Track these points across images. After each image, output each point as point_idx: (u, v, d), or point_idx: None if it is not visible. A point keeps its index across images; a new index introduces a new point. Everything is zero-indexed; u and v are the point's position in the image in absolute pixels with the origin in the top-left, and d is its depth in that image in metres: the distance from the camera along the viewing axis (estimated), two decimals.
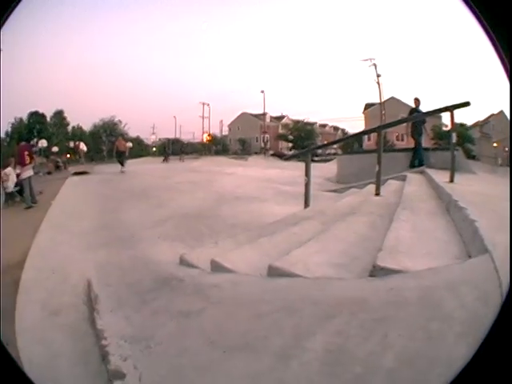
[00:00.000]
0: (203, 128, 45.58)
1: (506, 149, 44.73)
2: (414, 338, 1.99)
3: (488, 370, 1.55)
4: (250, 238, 5.44)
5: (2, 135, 31.19)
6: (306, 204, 8.23)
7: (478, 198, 5.64)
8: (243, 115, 51.13)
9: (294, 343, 2.17)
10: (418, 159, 12.13)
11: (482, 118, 53.19)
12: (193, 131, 45.91)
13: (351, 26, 70.14)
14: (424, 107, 12.36)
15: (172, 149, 32.91)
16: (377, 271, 2.89)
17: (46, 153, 27.77)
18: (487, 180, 11.91)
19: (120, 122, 41.42)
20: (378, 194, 7.12)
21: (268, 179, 14.35)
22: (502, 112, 49.15)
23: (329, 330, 2.19)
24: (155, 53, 49.97)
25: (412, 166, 12.05)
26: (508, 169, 29.66)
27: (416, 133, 12.51)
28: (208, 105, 47.00)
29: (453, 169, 7.69)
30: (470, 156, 41.59)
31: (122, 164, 20.45)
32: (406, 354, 1.89)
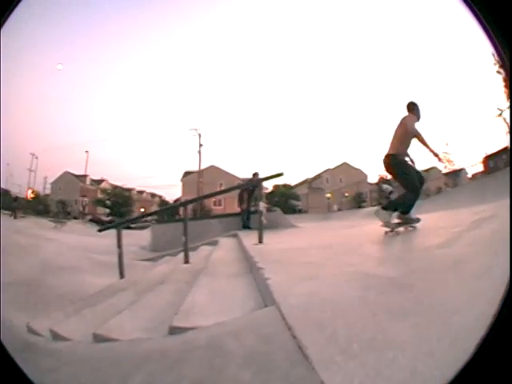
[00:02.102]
0: (29, 183, 43.48)
1: (346, 194, 49.99)
2: (202, 370, 2.62)
3: (488, 368, 1.69)
4: (76, 309, 6.15)
5: None
6: (121, 275, 8.66)
7: (282, 254, 6.51)
8: (65, 175, 49.75)
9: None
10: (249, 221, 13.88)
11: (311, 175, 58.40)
12: (21, 184, 43.08)
13: (176, 94, 72.62)
14: None
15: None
16: (174, 330, 3.46)
17: None
18: (304, 231, 13.68)
19: None
20: (187, 261, 7.79)
21: (85, 248, 14.44)
22: (344, 164, 55.35)
23: (143, 371, 2.80)
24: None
25: (246, 226, 13.76)
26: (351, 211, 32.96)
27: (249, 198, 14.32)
28: (37, 157, 45.34)
29: (260, 230, 8.61)
30: (297, 210, 45.36)
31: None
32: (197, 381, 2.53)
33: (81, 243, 16.36)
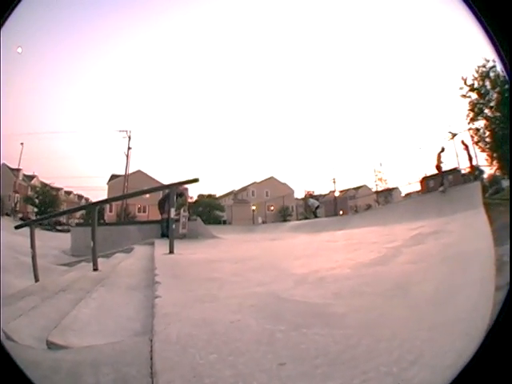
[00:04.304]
0: None
1: (272, 208, 50.46)
2: None
3: (488, 371, 1.61)
4: None
5: None
6: (36, 278, 8.30)
7: (188, 267, 6.33)
8: (2, 167, 46.55)
9: None
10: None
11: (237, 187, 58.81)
12: None
13: (107, 97, 71.30)
14: None
15: None
16: (49, 345, 3.14)
17: None
18: (222, 243, 13.58)
19: None
20: (95, 269, 7.30)
21: (11, 247, 13.48)
22: (271, 178, 55.87)
23: None
24: None
25: (165, 235, 12.90)
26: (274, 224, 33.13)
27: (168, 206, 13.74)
28: None
29: (171, 240, 8.58)
30: (221, 221, 45.21)
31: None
32: None
33: (9, 242, 15.48)
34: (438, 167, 18.63)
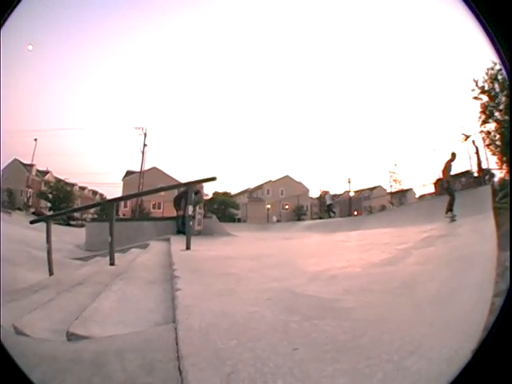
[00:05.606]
0: None
1: (287, 207, 50.21)
2: None
3: (487, 370, 1.65)
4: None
5: None
6: (50, 272, 8.32)
7: (205, 262, 6.41)
8: (14, 162, 46.60)
9: None
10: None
11: (252, 185, 58.51)
12: None
13: (124, 94, 71.22)
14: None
15: None
16: (70, 336, 3.21)
17: None
18: (237, 240, 13.65)
19: None
20: (112, 263, 7.41)
21: (24, 241, 13.56)
22: (286, 177, 55.46)
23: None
24: None
25: (181, 231, 13.16)
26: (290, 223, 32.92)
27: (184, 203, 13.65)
28: None
29: (188, 236, 8.63)
30: (236, 219, 45.07)
31: None
32: None
33: (21, 236, 15.52)
34: (448, 189, 15.09)
